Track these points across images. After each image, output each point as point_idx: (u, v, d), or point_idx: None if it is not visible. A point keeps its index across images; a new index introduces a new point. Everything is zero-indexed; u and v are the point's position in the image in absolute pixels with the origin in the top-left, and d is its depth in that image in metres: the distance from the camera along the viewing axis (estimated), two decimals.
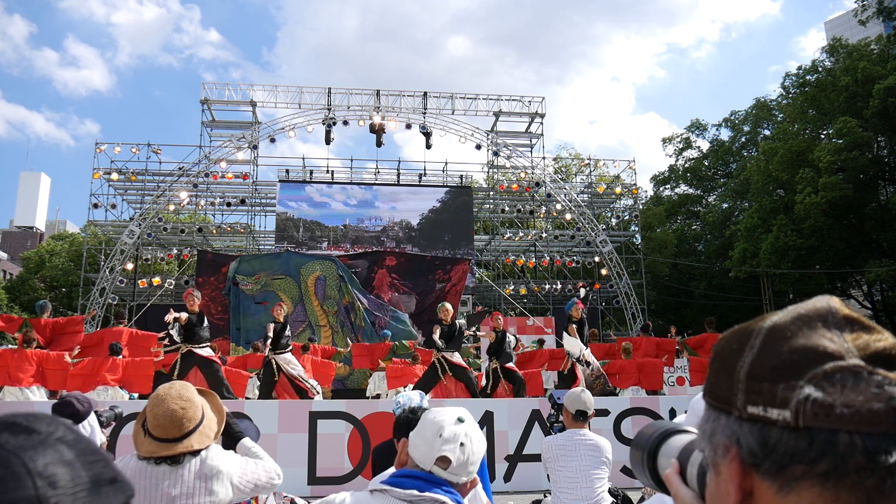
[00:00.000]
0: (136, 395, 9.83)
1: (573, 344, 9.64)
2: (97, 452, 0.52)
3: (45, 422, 0.51)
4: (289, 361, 9.64)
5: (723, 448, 0.55)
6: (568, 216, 25.55)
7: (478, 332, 10.62)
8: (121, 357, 9.66)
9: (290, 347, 9.79)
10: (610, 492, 4.10)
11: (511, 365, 9.87)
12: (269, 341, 9.53)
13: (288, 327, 9.90)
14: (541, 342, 14.97)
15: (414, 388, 9.25)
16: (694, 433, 0.73)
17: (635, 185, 27.67)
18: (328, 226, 24.85)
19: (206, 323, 9.05)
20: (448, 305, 9.28)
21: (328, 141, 24.67)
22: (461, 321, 9.54)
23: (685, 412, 1.63)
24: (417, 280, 13.41)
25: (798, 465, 0.50)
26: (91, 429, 3.42)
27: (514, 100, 26.56)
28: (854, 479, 0.48)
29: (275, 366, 9.55)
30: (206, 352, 8.94)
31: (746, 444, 0.53)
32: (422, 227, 25.45)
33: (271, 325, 9.62)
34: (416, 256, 15.83)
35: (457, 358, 9.21)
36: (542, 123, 26.90)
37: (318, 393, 9.93)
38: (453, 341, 9.20)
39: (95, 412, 3.96)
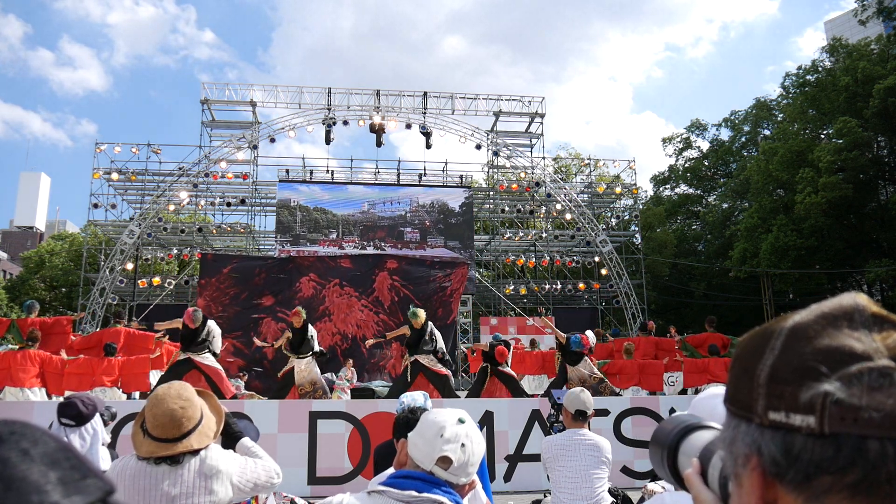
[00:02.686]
0: (136, 395, 9.82)
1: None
2: (67, 450, 0.51)
3: (9, 426, 0.50)
4: (303, 368, 9.16)
5: (743, 457, 0.52)
6: (568, 216, 25.55)
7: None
8: (116, 357, 9.66)
9: (311, 354, 9.25)
10: (610, 492, 4.09)
11: (506, 368, 9.73)
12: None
13: (309, 332, 9.31)
14: (533, 343, 14.84)
15: (388, 394, 9.17)
16: (716, 428, 0.70)
17: (635, 185, 27.64)
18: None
19: (212, 333, 8.60)
20: (420, 312, 9.10)
21: (328, 141, 24.66)
22: (432, 324, 9.29)
23: (685, 413, 1.62)
24: (418, 283, 13.41)
25: (825, 475, 0.46)
26: (94, 431, 3.40)
27: (513, 100, 26.53)
28: (887, 489, 0.44)
29: (294, 370, 9.08)
30: (206, 360, 8.53)
31: (768, 453, 0.49)
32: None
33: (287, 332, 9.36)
34: (415, 259, 15.91)
35: (432, 362, 9.03)
36: (541, 123, 26.88)
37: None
38: (423, 344, 9.03)
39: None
